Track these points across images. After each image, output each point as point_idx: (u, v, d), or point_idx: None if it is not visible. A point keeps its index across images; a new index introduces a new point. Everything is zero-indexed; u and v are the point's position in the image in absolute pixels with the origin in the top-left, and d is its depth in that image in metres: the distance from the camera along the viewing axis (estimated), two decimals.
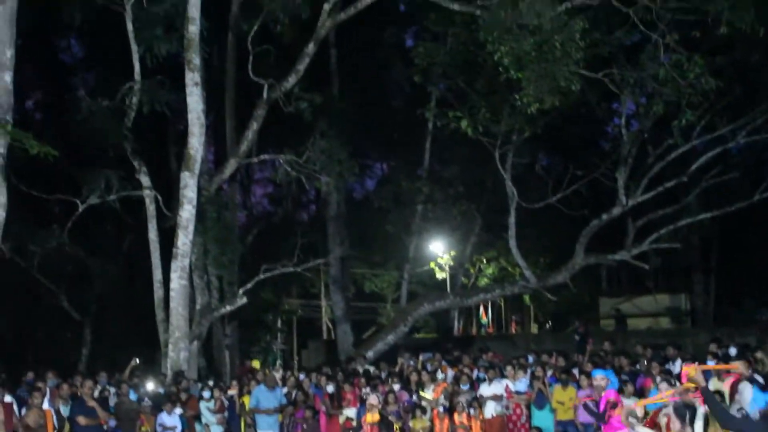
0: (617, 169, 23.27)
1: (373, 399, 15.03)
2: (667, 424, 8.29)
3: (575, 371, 17.29)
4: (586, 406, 13.27)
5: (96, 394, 15.20)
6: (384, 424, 15.66)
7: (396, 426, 16.01)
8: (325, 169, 23.00)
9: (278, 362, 26.82)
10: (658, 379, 12.83)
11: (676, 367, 16.80)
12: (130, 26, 21.05)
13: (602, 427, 11.90)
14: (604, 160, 24.94)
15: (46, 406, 13.64)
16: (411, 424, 16.71)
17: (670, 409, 8.14)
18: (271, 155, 24.53)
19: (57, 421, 13.57)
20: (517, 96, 20.03)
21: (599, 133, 32.50)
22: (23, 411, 13.79)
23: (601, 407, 11.95)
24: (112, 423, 14.14)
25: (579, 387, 16.25)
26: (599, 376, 12.20)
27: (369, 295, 37.25)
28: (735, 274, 36.06)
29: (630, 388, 14.15)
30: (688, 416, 7.68)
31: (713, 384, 15.56)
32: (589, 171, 24.83)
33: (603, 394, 12.01)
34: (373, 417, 15.37)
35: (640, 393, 14.13)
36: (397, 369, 19.65)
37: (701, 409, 7.71)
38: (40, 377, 16.37)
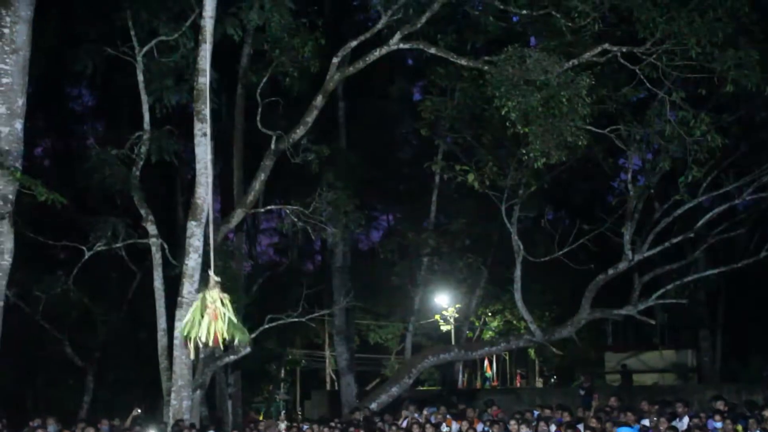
0: (623, 224, 23.26)
1: None
2: None
3: (580, 427, 17.17)
4: None
5: None
6: None
7: None
8: (332, 220, 23.08)
9: (282, 413, 26.60)
10: None
11: (683, 423, 16.72)
12: (140, 76, 21.28)
13: None
14: (610, 214, 24.94)
15: None
16: None
17: None
18: (278, 206, 24.64)
19: None
20: (523, 150, 20.12)
21: (606, 188, 32.60)
22: None
23: None
24: None
25: None
26: None
27: (373, 347, 37.17)
28: (742, 330, 35.91)
29: None
30: None
31: None
32: (596, 226, 24.84)
33: None
34: None
35: None
36: (401, 422, 19.51)
37: None
38: (41, 425, 16.30)
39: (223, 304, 8.67)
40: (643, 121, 21.55)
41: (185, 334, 8.68)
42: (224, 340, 8.83)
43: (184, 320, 8.96)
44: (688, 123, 19.63)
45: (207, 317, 8.59)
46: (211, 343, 8.67)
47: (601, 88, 20.36)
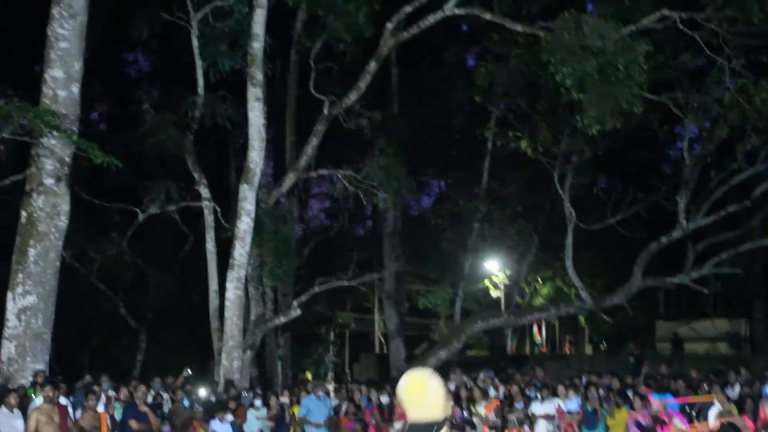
0: (678, 192, 23.01)
1: None
2: None
3: (629, 393, 17.11)
4: (637, 424, 13.07)
5: (149, 399, 15.39)
6: None
7: None
8: (383, 185, 23.11)
9: (330, 374, 26.88)
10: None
11: (735, 391, 16.59)
12: (195, 42, 21.40)
13: None
14: (665, 183, 24.69)
15: (101, 409, 13.88)
16: None
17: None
18: (330, 170, 24.72)
19: (111, 425, 13.79)
20: (578, 117, 19.94)
21: (661, 156, 32.19)
22: (78, 414, 14.05)
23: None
24: (166, 429, 14.31)
25: (632, 409, 16.08)
26: (657, 400, 12.01)
27: (422, 311, 37.24)
28: None
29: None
30: None
31: None
32: (650, 193, 24.58)
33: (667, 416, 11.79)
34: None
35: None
36: (449, 385, 19.61)
37: None
38: (95, 381, 16.65)
39: None
40: (701, 89, 21.24)
41: None
42: None
43: None
44: (747, 90, 19.29)
45: None
46: None
47: (659, 55, 20.04)
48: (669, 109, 21.42)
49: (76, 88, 16.91)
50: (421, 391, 5.78)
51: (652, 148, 30.19)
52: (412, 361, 27.48)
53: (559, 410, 16.83)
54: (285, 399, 17.68)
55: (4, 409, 12.68)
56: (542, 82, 22.03)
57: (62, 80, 16.81)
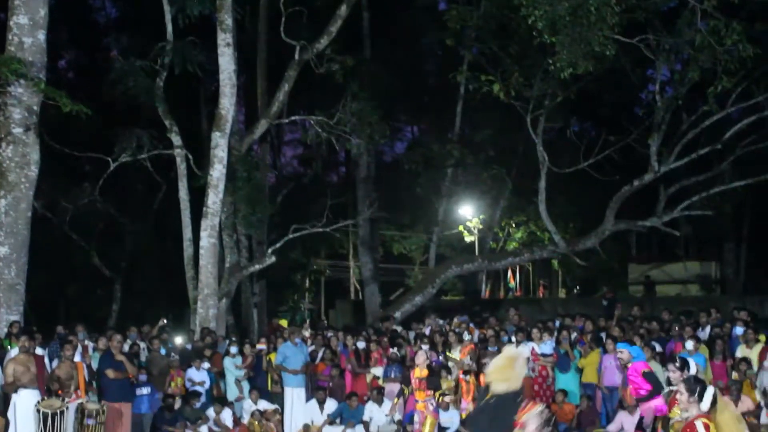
0: (650, 135, 23.05)
1: (421, 355, 15.04)
2: (674, 395, 8.27)
3: (602, 335, 17.34)
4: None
5: (126, 348, 15.41)
6: (432, 379, 15.61)
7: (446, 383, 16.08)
8: (356, 131, 23.02)
9: (306, 321, 26.99)
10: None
11: (706, 333, 16.85)
12: None
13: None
14: (637, 126, 24.70)
15: (77, 359, 13.88)
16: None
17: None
18: (302, 116, 24.59)
19: (87, 375, 13.80)
20: (550, 60, 19.86)
21: (633, 99, 32.18)
22: (54, 364, 14.05)
23: (631, 378, 11.86)
24: (143, 377, 14.34)
25: (605, 351, 16.31)
26: (620, 349, 12.19)
27: (397, 258, 37.39)
28: (767, 243, 35.74)
29: (648, 353, 14.25)
30: (698, 390, 7.63)
31: (741, 351, 15.63)
32: (622, 137, 24.63)
33: (629, 365, 11.94)
34: (421, 372, 15.34)
35: (670, 358, 14.10)
36: (424, 330, 19.76)
37: (711, 388, 7.68)
38: (70, 331, 16.62)
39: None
40: (673, 31, 21.14)
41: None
42: None
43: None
44: (719, 32, 19.22)
45: None
46: None
47: None
48: (641, 51, 21.35)
49: (42, 35, 16.64)
50: (511, 369, 6.30)
51: (624, 91, 30.17)
52: (388, 306, 27.64)
53: (533, 353, 17.04)
54: (261, 346, 17.75)
55: None
56: (514, 25, 21.87)
57: (27, 27, 16.51)
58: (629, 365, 11.87)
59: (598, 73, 21.13)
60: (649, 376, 11.66)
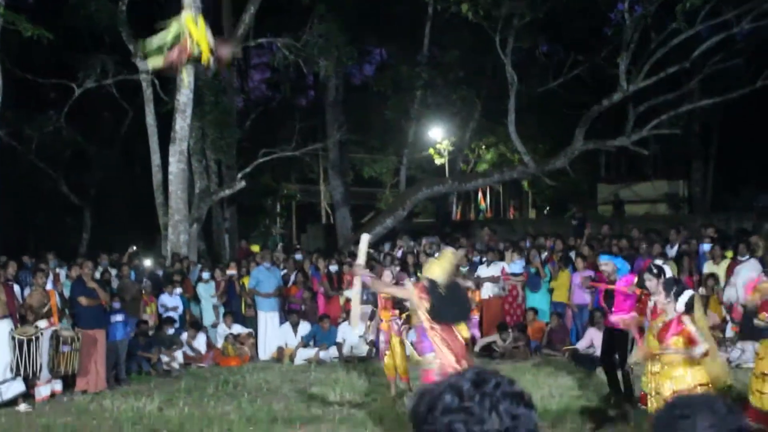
0: (619, 54, 23.00)
1: (387, 274, 15.14)
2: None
3: (572, 254, 17.53)
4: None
5: (98, 276, 15.37)
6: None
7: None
8: (323, 53, 22.78)
9: (279, 245, 26.99)
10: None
11: (674, 250, 17.06)
12: None
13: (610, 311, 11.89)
14: (605, 45, 24.62)
15: (49, 287, 13.84)
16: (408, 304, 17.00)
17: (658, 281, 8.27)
18: (269, 39, 24.26)
19: (60, 302, 13.79)
20: None
21: (601, 18, 31.99)
22: (26, 292, 14.01)
23: (619, 286, 11.82)
24: (116, 304, 14.36)
25: (575, 270, 16.52)
26: (603, 261, 12.22)
27: (367, 181, 37.32)
28: (734, 161, 36.08)
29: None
30: (674, 290, 7.78)
31: (708, 267, 15.87)
32: (591, 56, 24.55)
33: (617, 278, 11.91)
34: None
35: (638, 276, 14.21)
36: (396, 251, 19.87)
37: (690, 291, 7.81)
38: (41, 259, 16.55)
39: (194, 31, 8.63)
40: None
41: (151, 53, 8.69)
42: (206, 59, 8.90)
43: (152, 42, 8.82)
44: None
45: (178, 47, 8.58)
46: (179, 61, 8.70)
47: None
48: None
49: None
50: (448, 264, 7.46)
51: (593, 11, 29.99)
52: (359, 229, 27.70)
53: (504, 273, 17.23)
54: (232, 271, 17.79)
55: None
56: None
57: None
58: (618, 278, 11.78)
59: None
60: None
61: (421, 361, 8.71)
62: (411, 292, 8.66)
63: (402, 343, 12.83)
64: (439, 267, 8.65)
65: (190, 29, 8.65)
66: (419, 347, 8.77)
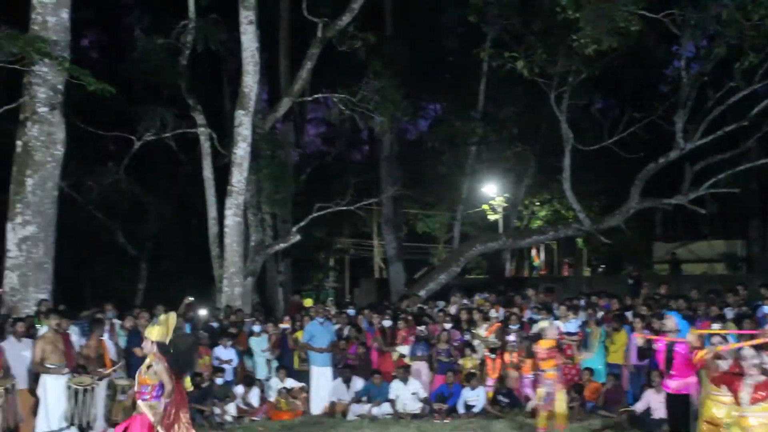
0: (675, 112, 22.85)
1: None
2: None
3: (628, 314, 17.25)
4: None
5: None
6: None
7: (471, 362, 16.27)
8: (379, 108, 22.95)
9: (330, 299, 27.01)
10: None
11: (733, 312, 16.67)
12: None
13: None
14: (662, 102, 24.48)
15: (105, 338, 13.96)
16: (461, 362, 16.86)
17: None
18: (325, 94, 24.55)
19: (116, 353, 13.89)
20: (574, 37, 19.71)
21: (658, 75, 31.87)
22: (82, 342, 14.13)
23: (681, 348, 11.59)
24: None
25: (632, 330, 16.22)
26: (668, 315, 11.98)
27: (420, 236, 37.32)
28: None
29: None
30: None
31: None
32: (647, 114, 24.41)
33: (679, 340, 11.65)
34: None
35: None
36: (449, 308, 19.75)
37: None
38: (99, 310, 16.69)
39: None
40: (699, 6, 20.88)
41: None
42: None
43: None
44: (745, 7, 19.00)
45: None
46: None
47: None
48: (666, 27, 21.15)
49: (65, 14, 16.65)
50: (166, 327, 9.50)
51: (649, 68, 29.90)
52: (412, 285, 27.64)
53: (559, 332, 16.98)
54: (285, 325, 17.79)
55: (11, 338, 12.74)
56: (538, 1, 21.73)
57: (51, 5, 16.52)
58: (673, 337, 11.57)
59: (622, 50, 20.94)
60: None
61: (152, 406, 9.45)
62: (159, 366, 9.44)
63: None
64: (160, 330, 9.66)
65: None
66: (151, 397, 9.52)
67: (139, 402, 9.53)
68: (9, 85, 18.33)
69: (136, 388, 9.58)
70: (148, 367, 9.46)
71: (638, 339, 14.77)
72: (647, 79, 31.73)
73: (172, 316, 9.96)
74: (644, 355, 12.61)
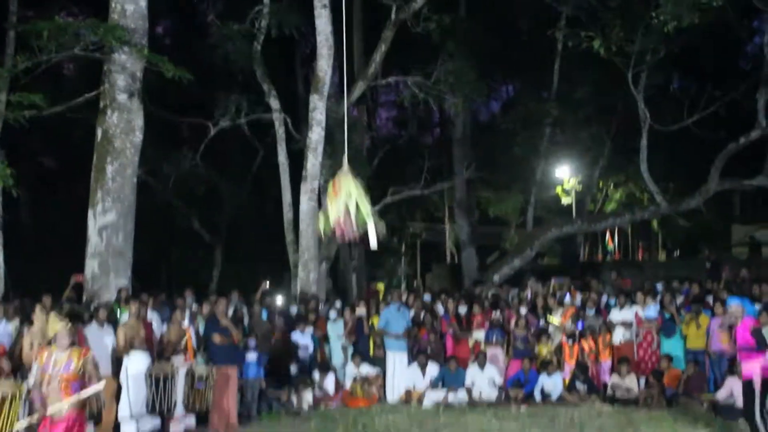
0: (757, 90, 22.23)
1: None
2: None
3: (709, 299, 16.87)
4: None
5: (230, 313, 15.54)
6: None
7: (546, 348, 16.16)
8: (454, 90, 22.75)
9: (403, 285, 26.97)
10: None
11: None
12: None
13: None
14: (743, 80, 23.84)
15: (185, 324, 14.09)
16: (537, 348, 16.69)
17: None
18: (400, 77, 24.41)
19: (195, 340, 14.02)
20: (653, 14, 19.28)
21: (738, 52, 31.06)
22: (164, 329, 14.30)
23: (739, 335, 11.44)
24: (251, 342, 14.50)
25: (713, 314, 15.86)
26: (734, 304, 11.71)
27: (493, 220, 37.05)
28: None
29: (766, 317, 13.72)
30: None
31: None
32: (727, 92, 23.79)
33: (740, 322, 11.50)
34: None
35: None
36: (525, 294, 19.54)
37: None
38: (179, 295, 16.86)
39: (352, 194, 8.81)
40: None
41: (323, 228, 8.95)
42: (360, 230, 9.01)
43: (320, 217, 9.08)
44: None
45: (336, 212, 8.77)
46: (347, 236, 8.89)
47: None
48: (748, 2, 20.57)
49: (143, 2, 16.77)
50: None
51: (729, 45, 29.13)
52: (485, 269, 27.44)
53: (638, 317, 16.70)
54: (362, 310, 17.76)
55: (94, 324, 12.93)
56: None
57: None
58: (740, 323, 11.39)
59: (702, 26, 20.42)
60: (757, 333, 11.21)
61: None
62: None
63: None
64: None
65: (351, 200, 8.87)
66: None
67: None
68: (89, 73, 18.56)
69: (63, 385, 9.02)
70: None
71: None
72: (727, 57, 30.95)
73: (52, 317, 9.60)
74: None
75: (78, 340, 10.61)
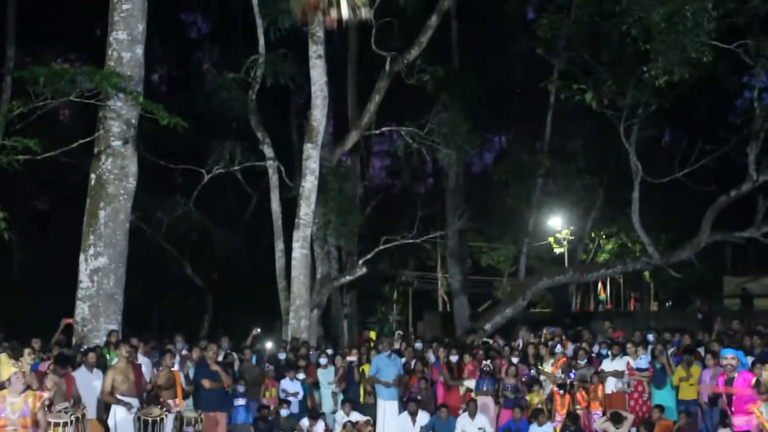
0: (748, 143, 22.46)
1: None
2: None
3: (700, 350, 16.87)
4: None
5: (220, 358, 15.53)
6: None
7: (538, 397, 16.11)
8: (447, 141, 22.93)
9: (397, 332, 26.90)
10: None
11: None
12: (254, 0, 21.37)
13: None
14: (733, 134, 24.10)
15: (176, 368, 14.07)
16: (528, 397, 16.64)
17: None
18: (394, 127, 24.60)
19: (185, 384, 13.98)
20: (644, 68, 19.53)
21: (729, 107, 31.43)
22: (154, 372, 14.26)
23: (737, 386, 11.41)
24: (241, 388, 14.46)
25: (704, 366, 15.86)
26: (729, 356, 11.70)
27: (485, 269, 37.09)
28: None
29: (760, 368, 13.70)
30: None
31: None
32: (718, 146, 24.02)
33: (736, 374, 11.49)
34: None
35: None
36: (517, 343, 19.52)
37: None
38: (169, 341, 16.86)
39: None
40: None
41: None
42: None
43: None
44: None
45: None
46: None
47: (728, 1, 19.46)
48: (738, 58, 20.86)
49: (140, 50, 17.01)
50: None
51: (720, 99, 29.49)
52: (477, 318, 27.43)
53: (630, 368, 16.69)
54: (352, 358, 17.72)
55: (83, 368, 12.90)
56: (606, 33, 21.57)
57: (126, 42, 16.91)
58: (737, 374, 11.36)
59: (693, 81, 20.70)
60: (758, 385, 11.17)
61: None
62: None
63: None
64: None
65: None
66: None
67: None
68: (84, 119, 18.69)
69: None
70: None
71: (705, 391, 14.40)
72: (718, 111, 31.30)
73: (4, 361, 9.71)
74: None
75: (66, 384, 10.59)
